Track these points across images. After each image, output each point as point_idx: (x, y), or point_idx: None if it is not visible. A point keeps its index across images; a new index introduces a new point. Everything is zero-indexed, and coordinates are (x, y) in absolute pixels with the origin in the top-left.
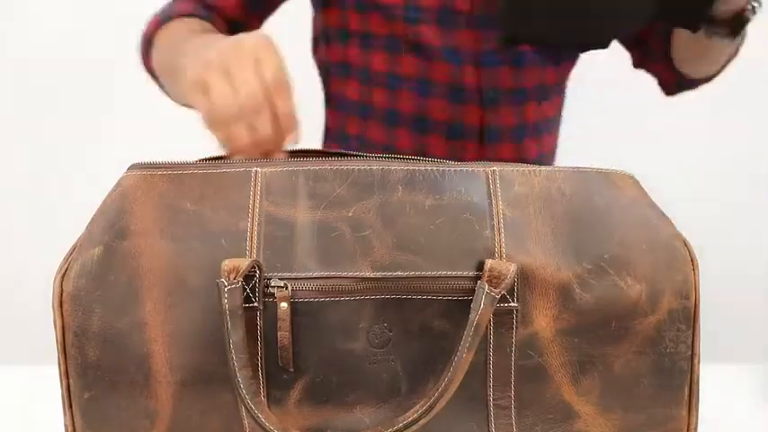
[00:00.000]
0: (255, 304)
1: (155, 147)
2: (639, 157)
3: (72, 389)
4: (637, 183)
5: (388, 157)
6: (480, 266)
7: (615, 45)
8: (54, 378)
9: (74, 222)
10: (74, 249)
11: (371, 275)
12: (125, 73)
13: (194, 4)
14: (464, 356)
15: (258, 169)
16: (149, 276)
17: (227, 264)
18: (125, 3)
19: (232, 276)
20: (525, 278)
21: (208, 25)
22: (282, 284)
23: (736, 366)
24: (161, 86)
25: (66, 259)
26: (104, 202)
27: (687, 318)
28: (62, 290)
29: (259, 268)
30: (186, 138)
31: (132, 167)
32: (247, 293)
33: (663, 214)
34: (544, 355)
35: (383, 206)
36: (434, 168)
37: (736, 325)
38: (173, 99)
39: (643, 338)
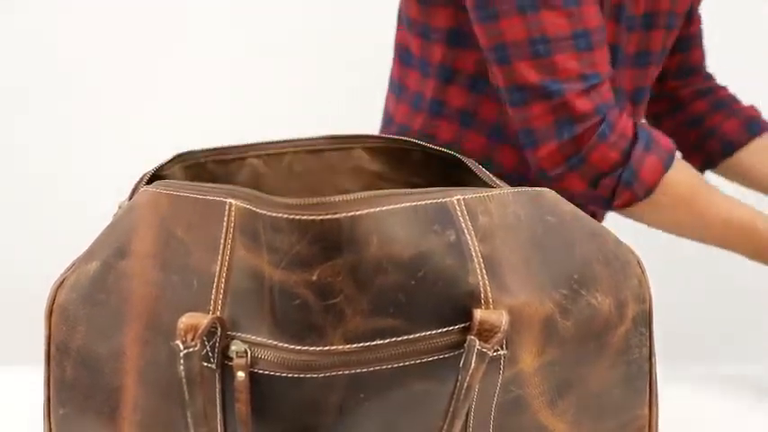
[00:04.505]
0: (213, 366)
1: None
2: None
3: (51, 400)
4: (559, 196)
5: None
6: (466, 316)
7: None
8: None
9: (81, 222)
10: (79, 259)
11: (344, 348)
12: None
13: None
14: (454, 426)
15: (232, 201)
16: (136, 303)
17: (185, 321)
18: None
19: (189, 337)
20: (512, 321)
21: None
22: (243, 350)
23: (736, 366)
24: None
25: (68, 268)
26: (117, 215)
27: (645, 320)
28: (54, 300)
29: (221, 326)
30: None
31: (156, 184)
32: (206, 352)
33: (598, 223)
34: (524, 388)
35: (356, 267)
36: (408, 205)
37: (735, 325)
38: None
39: (615, 351)
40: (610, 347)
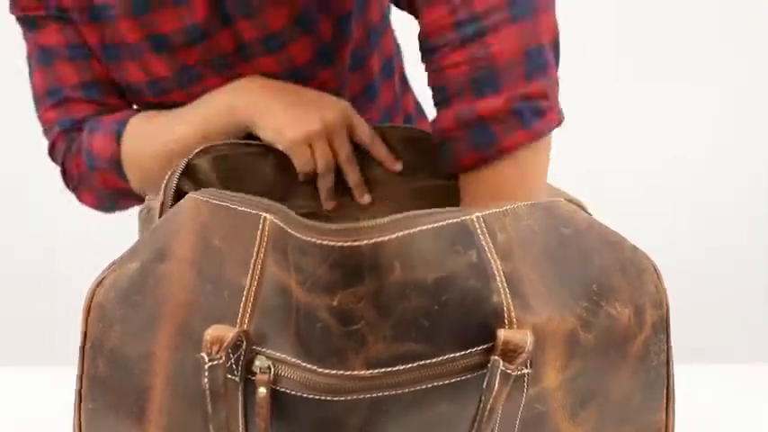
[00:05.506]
0: (237, 379)
1: None
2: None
3: (83, 394)
4: (574, 205)
5: None
6: (489, 336)
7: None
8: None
9: (84, 223)
10: (120, 258)
11: (365, 374)
12: None
13: (112, 117)
14: None
15: (266, 216)
16: (171, 307)
17: (211, 333)
18: None
19: (215, 349)
20: (536, 339)
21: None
22: (267, 366)
23: (737, 366)
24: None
25: (109, 266)
26: (163, 217)
27: (663, 326)
28: (93, 297)
29: (246, 340)
30: None
31: (203, 191)
32: (231, 364)
33: (613, 230)
34: (548, 402)
35: (378, 294)
36: (430, 227)
37: (736, 325)
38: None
39: (635, 359)
40: (630, 356)
